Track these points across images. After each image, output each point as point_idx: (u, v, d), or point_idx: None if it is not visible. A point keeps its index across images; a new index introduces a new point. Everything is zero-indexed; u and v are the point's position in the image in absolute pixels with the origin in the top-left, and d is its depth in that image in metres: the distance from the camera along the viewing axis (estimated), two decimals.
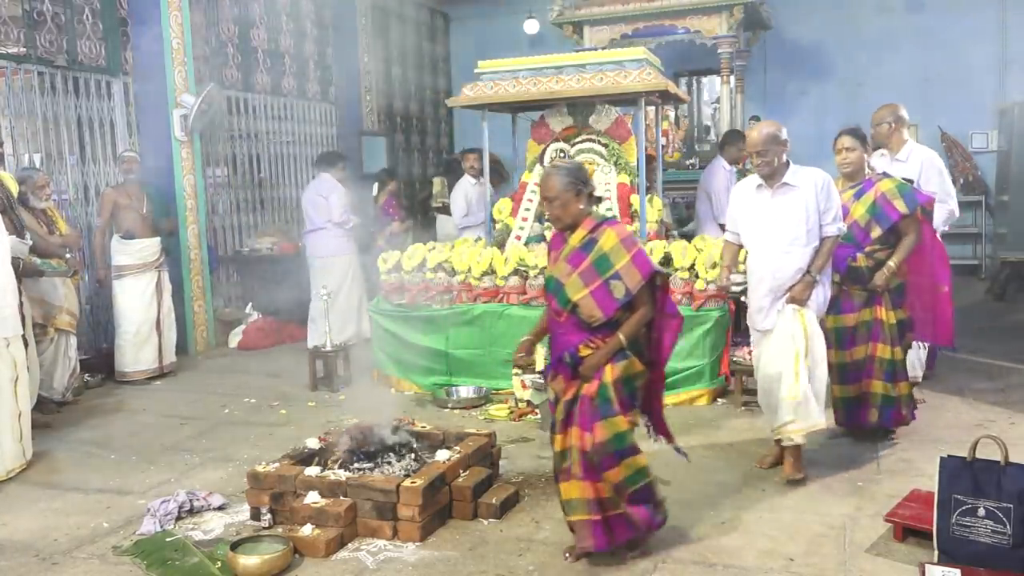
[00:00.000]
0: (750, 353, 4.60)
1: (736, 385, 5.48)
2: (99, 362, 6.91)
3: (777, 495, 3.99)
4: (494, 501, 3.84)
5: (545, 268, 5.88)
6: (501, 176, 8.57)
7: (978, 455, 3.14)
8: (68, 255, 5.96)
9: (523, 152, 6.74)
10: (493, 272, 6.00)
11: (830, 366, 4.34)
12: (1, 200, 5.05)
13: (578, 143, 6.34)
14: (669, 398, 5.41)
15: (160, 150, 7.45)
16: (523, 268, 5.95)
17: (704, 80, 11.60)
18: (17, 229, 5.13)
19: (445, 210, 9.19)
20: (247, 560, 3.33)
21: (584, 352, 3.25)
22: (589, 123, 6.34)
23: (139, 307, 6.73)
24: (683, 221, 8.56)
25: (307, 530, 3.57)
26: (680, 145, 10.91)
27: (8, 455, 4.63)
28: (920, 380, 5.29)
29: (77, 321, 6.21)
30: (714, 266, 5.40)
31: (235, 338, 8.12)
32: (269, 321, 8.21)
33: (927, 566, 3.12)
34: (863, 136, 4.51)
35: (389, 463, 3.89)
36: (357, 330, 7.49)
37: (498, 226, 6.52)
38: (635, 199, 6.11)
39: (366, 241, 7.81)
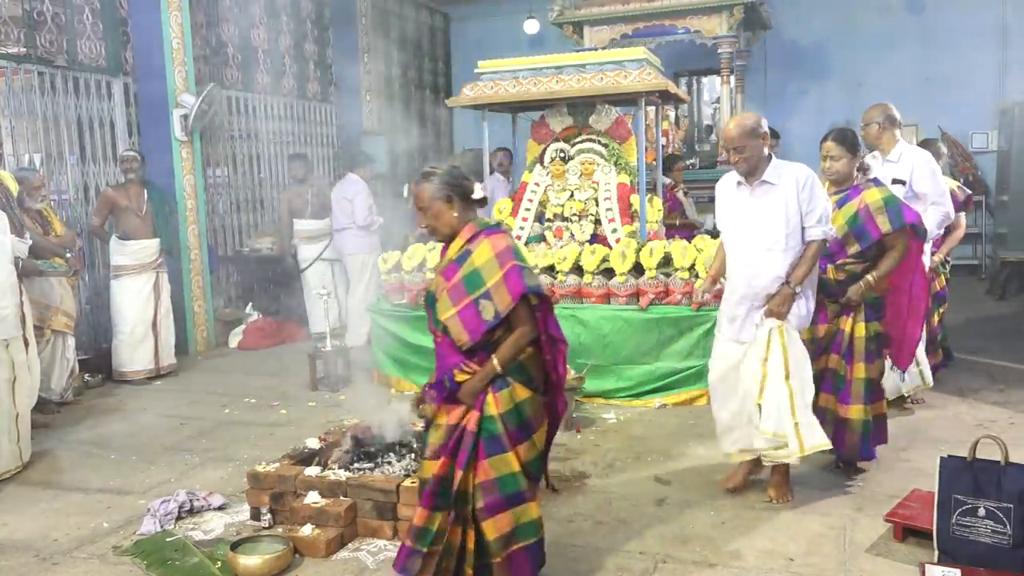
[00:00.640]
0: None
1: None
2: (98, 362, 6.91)
3: None
4: None
5: (536, 267, 5.91)
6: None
7: (978, 455, 3.14)
8: (68, 255, 5.96)
9: (523, 152, 6.75)
10: None
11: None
12: (1, 199, 5.04)
13: (578, 143, 6.35)
14: (669, 398, 5.46)
15: (160, 150, 7.45)
16: None
17: (704, 80, 11.62)
18: (17, 229, 5.12)
19: None
20: (247, 560, 3.33)
21: (460, 377, 2.87)
22: (589, 123, 6.35)
23: (136, 307, 6.73)
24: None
25: (307, 530, 3.57)
26: (680, 145, 10.92)
27: (4, 457, 4.63)
28: (912, 393, 5.18)
29: (75, 322, 6.20)
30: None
31: (235, 338, 8.12)
32: (269, 321, 8.22)
33: (927, 566, 3.12)
34: (852, 140, 4.08)
35: (389, 463, 3.89)
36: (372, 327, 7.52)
37: None
38: (635, 199, 6.11)
39: (398, 241, 7.86)
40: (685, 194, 7.88)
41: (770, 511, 3.80)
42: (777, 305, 3.70)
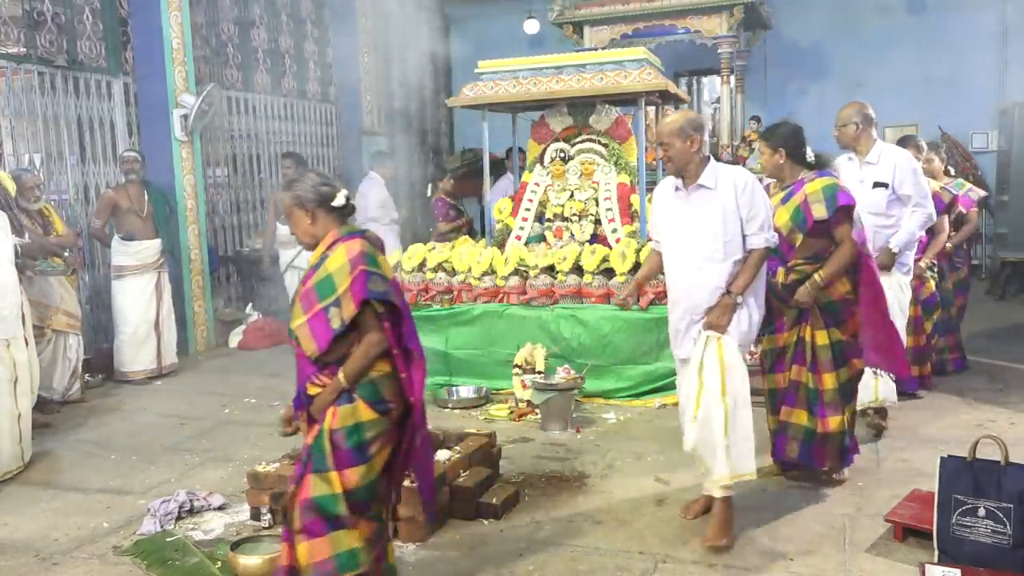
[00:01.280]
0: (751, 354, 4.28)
1: None
2: (99, 362, 6.91)
3: (777, 495, 3.99)
4: (494, 501, 3.84)
5: (536, 267, 5.91)
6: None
7: (978, 455, 3.14)
8: (67, 254, 5.96)
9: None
10: (493, 272, 6.01)
11: (763, 392, 3.98)
12: (0, 200, 5.04)
13: (578, 143, 6.35)
14: (667, 399, 5.45)
15: (160, 150, 7.44)
16: (523, 268, 5.95)
17: (704, 80, 11.63)
18: (17, 229, 5.13)
19: None
20: (247, 560, 3.32)
21: (312, 391, 2.74)
22: (589, 123, 6.35)
23: (138, 307, 6.73)
24: None
25: None
26: None
27: (5, 457, 4.63)
28: (893, 404, 4.81)
29: (79, 321, 6.19)
30: None
31: (235, 338, 8.12)
32: (269, 321, 8.21)
33: (927, 566, 3.12)
34: (782, 135, 3.89)
35: None
36: None
37: (498, 226, 6.53)
38: (635, 199, 6.11)
39: (423, 238, 7.87)
40: None
41: (770, 511, 3.80)
42: (716, 317, 3.44)
